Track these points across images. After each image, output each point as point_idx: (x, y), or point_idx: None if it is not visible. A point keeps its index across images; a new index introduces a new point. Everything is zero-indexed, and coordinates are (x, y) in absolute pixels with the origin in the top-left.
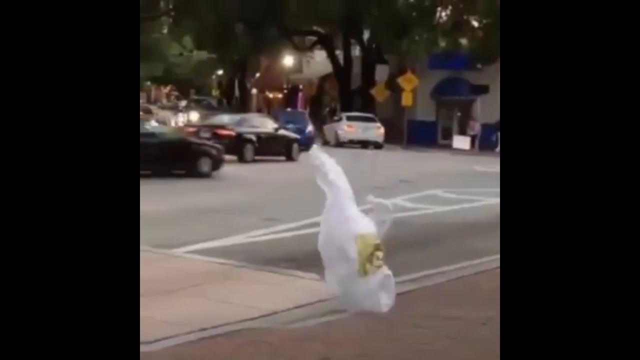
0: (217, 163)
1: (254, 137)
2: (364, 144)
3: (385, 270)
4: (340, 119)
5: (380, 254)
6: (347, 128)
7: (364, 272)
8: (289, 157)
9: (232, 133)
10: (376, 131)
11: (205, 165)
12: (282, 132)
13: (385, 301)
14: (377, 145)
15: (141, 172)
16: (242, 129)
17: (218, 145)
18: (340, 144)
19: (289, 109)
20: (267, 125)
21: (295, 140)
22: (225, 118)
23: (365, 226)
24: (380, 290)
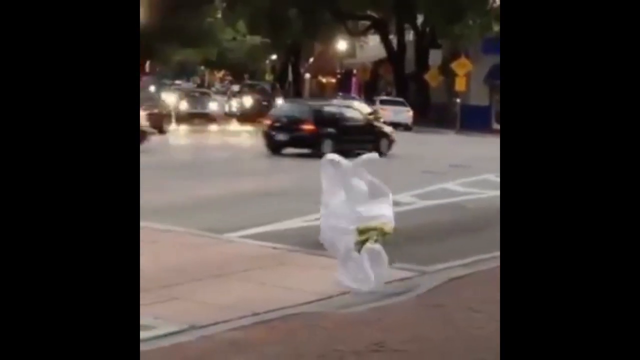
0: (390, 143)
1: None
2: (395, 126)
3: (376, 247)
4: (374, 103)
5: (377, 235)
6: (380, 111)
7: (357, 249)
8: None
9: None
10: (406, 114)
11: (384, 145)
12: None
13: (375, 276)
14: (407, 127)
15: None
16: None
17: (391, 128)
18: None
19: (340, 94)
20: (363, 110)
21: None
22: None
23: (374, 217)
24: (370, 266)
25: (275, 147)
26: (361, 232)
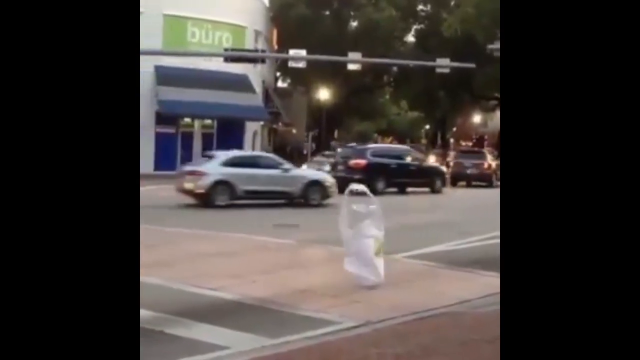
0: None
1: None
2: None
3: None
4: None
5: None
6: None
7: (376, 255)
8: None
9: None
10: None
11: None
12: None
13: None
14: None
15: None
16: None
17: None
18: None
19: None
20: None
21: None
22: None
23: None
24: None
25: None
26: (378, 242)
